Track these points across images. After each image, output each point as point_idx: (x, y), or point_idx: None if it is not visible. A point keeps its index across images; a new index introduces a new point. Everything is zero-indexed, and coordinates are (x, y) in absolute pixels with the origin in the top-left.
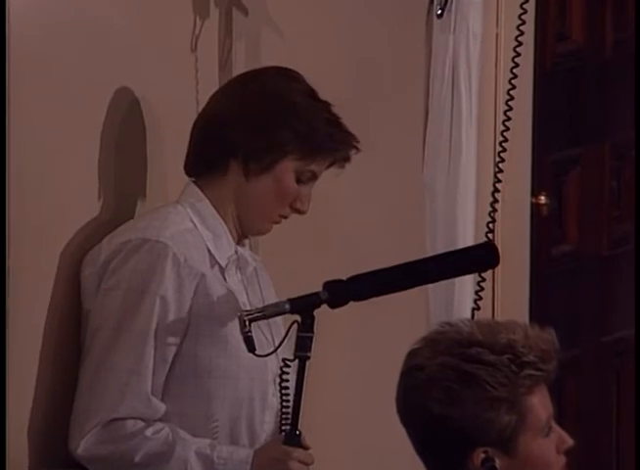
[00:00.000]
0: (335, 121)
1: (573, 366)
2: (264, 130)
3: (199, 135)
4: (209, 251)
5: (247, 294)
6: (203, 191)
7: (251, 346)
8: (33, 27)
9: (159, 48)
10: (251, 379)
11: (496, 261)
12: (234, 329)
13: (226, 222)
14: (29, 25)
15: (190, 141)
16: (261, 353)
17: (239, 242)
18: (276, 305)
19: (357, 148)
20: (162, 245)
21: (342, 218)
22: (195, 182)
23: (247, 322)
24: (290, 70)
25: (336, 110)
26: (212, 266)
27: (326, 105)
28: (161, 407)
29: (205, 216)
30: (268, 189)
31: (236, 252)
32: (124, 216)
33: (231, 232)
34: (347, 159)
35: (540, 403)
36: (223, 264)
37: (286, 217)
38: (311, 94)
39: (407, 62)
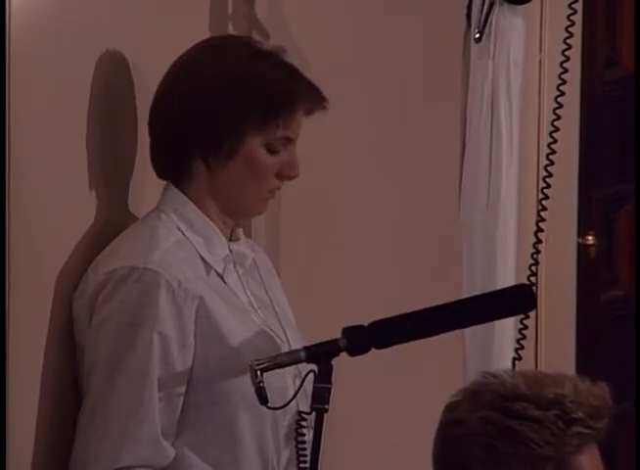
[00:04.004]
0: (282, 68)
1: (625, 421)
2: (209, 120)
3: (154, 137)
4: (203, 258)
5: (246, 291)
6: (184, 193)
7: (263, 398)
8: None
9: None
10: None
11: (532, 305)
12: (245, 345)
13: (213, 221)
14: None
15: (150, 143)
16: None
17: (231, 236)
18: (289, 353)
19: (318, 90)
20: (152, 273)
21: (375, 261)
22: (173, 184)
23: (258, 373)
24: (221, 38)
25: (288, 58)
26: (208, 273)
27: (271, 57)
28: (170, 453)
29: (193, 221)
30: (243, 173)
31: (230, 250)
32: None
33: (221, 230)
34: (321, 104)
35: (590, 464)
36: (220, 270)
37: (279, 189)
38: (252, 55)
39: (441, 90)
